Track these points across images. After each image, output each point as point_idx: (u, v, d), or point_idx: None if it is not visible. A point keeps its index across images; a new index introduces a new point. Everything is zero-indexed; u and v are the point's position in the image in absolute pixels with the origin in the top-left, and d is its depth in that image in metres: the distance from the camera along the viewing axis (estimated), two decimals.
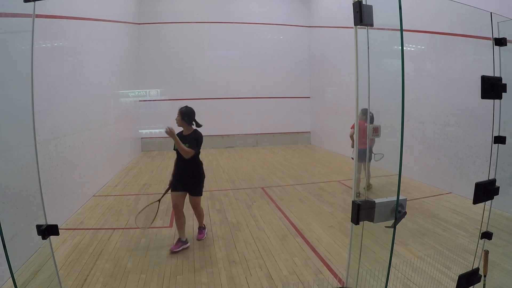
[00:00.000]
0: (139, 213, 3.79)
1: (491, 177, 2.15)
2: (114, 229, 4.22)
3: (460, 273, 2.18)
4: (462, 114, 5.31)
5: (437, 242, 3.67)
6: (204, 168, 3.81)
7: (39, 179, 1.76)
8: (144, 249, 3.62)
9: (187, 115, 3.61)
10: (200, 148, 3.62)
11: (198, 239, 3.87)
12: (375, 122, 1.60)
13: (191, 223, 4.23)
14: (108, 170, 6.89)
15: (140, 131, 10.75)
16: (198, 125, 3.71)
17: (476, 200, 2.05)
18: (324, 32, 10.90)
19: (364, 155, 4.66)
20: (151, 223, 3.79)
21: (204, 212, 4.86)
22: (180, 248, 3.58)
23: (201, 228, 4.00)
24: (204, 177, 3.83)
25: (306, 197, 5.51)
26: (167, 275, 3.09)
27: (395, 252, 3.35)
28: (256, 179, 6.89)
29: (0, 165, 2.64)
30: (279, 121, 11.94)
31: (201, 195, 3.77)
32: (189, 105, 3.71)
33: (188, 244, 3.68)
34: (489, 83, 2.01)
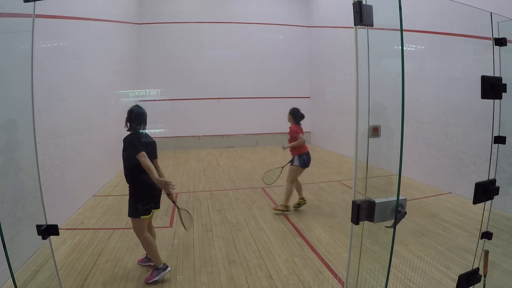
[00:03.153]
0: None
1: (491, 177, 2.15)
2: (114, 229, 4.21)
3: (460, 273, 2.18)
4: (462, 114, 5.30)
5: (437, 242, 3.67)
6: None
7: (39, 179, 1.76)
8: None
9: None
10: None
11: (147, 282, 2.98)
12: (375, 122, 1.60)
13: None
14: (108, 170, 6.89)
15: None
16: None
17: (476, 200, 2.05)
18: (324, 32, 10.90)
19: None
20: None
21: (204, 212, 4.88)
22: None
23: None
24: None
25: (306, 197, 5.50)
26: (167, 275, 3.08)
27: (395, 252, 3.35)
28: (256, 179, 6.88)
29: (0, 165, 2.64)
30: (279, 121, 11.90)
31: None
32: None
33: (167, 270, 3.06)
34: (489, 83, 2.01)
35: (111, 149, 7.24)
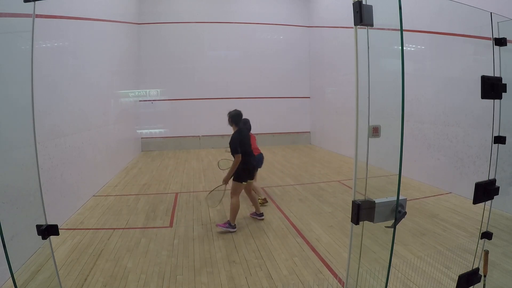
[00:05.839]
0: (208, 193, 4.47)
1: (491, 177, 2.15)
2: (114, 229, 4.22)
3: (460, 273, 2.18)
4: (462, 114, 5.31)
5: (437, 242, 3.67)
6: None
7: (39, 179, 1.75)
8: (144, 249, 3.62)
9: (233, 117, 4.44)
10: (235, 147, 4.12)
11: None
12: (375, 122, 1.60)
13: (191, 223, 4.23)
14: (108, 170, 6.89)
15: (140, 131, 10.76)
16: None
17: (476, 200, 2.05)
18: (324, 32, 10.90)
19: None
20: (219, 202, 4.43)
21: (204, 212, 4.88)
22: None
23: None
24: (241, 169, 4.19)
25: (306, 197, 5.51)
26: (167, 275, 3.09)
27: (395, 252, 3.35)
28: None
29: (0, 165, 2.64)
30: (279, 121, 11.93)
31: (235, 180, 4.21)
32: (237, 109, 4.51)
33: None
34: (489, 83, 2.01)
35: (111, 149, 7.25)
